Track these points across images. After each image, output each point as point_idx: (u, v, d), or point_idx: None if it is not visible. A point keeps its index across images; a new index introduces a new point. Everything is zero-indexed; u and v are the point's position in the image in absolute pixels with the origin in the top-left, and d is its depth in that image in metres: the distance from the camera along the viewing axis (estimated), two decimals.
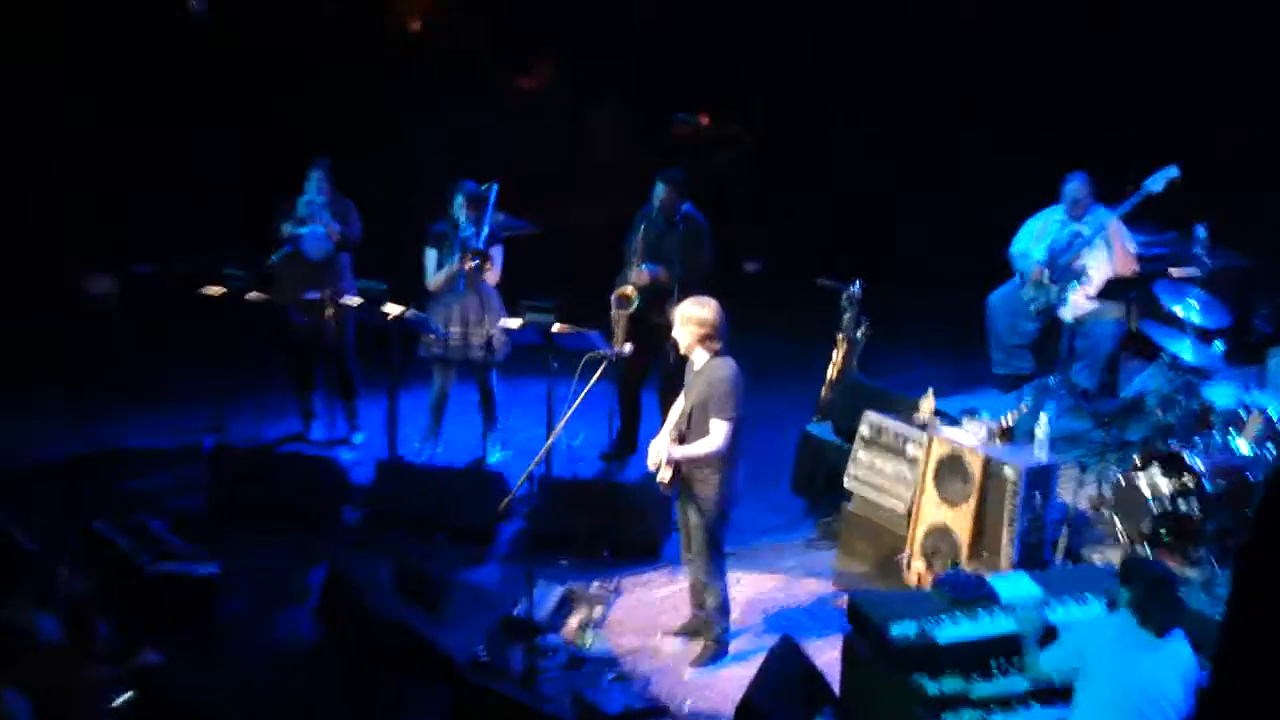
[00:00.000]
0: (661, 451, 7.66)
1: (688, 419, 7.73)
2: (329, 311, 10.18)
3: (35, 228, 13.42)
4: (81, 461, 10.36)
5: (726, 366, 7.67)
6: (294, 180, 10.36)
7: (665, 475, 7.66)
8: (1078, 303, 10.34)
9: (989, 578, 7.29)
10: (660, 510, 9.07)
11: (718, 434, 7.61)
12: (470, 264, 9.89)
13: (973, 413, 8.80)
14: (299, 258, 10.25)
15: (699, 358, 7.75)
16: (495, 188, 10.09)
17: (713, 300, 7.80)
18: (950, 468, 8.56)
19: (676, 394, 8.06)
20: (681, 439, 7.74)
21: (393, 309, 9.69)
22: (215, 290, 9.97)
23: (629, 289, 10.00)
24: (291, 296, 10.25)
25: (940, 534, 8.55)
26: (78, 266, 13.77)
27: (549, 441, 8.48)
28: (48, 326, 12.83)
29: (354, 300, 9.99)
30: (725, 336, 7.75)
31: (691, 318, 7.70)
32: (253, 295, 9.95)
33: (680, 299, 9.60)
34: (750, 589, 8.81)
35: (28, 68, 13.18)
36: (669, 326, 9.77)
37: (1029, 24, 14.15)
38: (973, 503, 8.40)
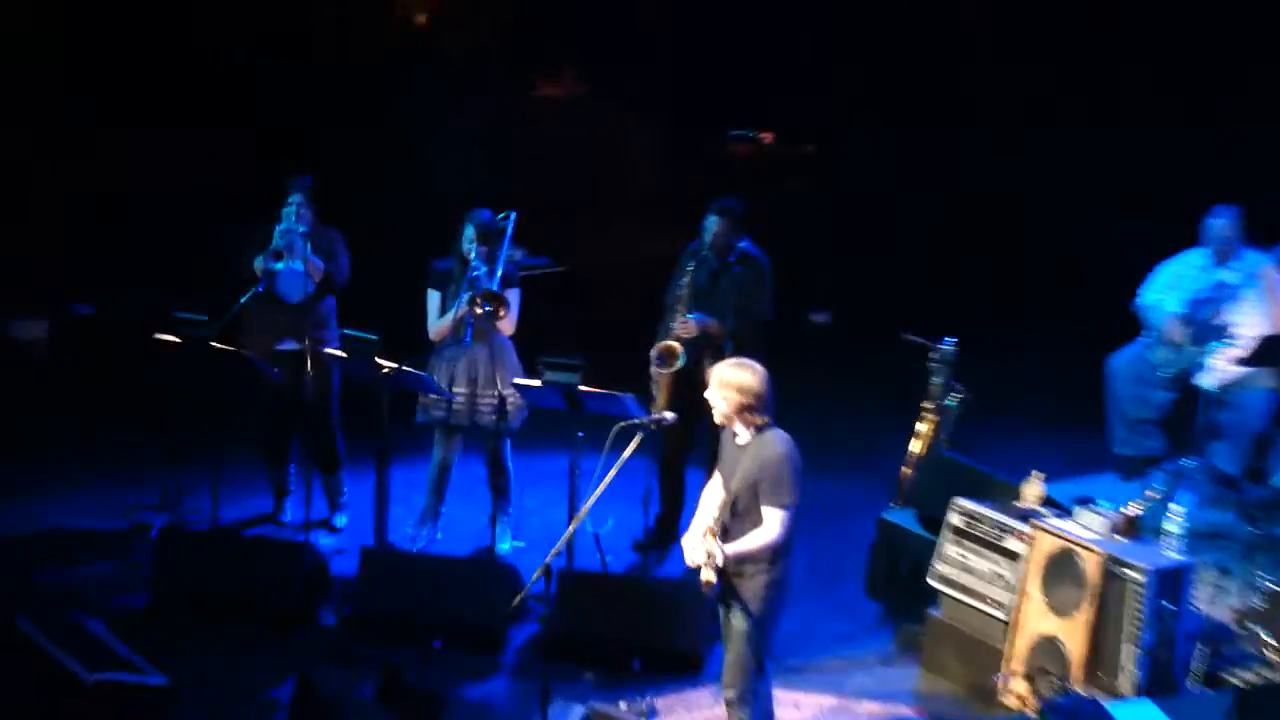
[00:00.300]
0: (701, 549, 7.63)
1: (731, 507, 7.73)
2: (308, 366, 10.23)
3: None
4: (1, 546, 10.41)
5: (780, 442, 7.68)
6: (268, 204, 10.45)
7: (710, 575, 7.66)
8: (1221, 367, 10.31)
9: (1107, 705, 7.26)
10: (704, 614, 9.04)
11: (772, 525, 7.61)
12: (481, 309, 9.94)
13: (1088, 501, 8.76)
14: (272, 300, 10.33)
15: (742, 432, 7.76)
16: (513, 218, 10.15)
17: (757, 364, 7.81)
18: (1060, 568, 8.53)
19: None
20: (724, 532, 7.74)
21: (385, 364, 9.74)
22: (169, 338, 10.02)
23: (673, 342, 10.03)
24: (263, 347, 10.31)
25: (1047, 649, 8.51)
26: (1, 306, 13.94)
27: (571, 528, 8.46)
28: None
29: (338, 352, 10.04)
30: (772, 408, 7.76)
31: (731, 383, 7.70)
32: (215, 345, 9.99)
33: (735, 354, 9.72)
34: (810, 714, 8.78)
35: None
36: None
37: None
38: (1088, 611, 8.37)
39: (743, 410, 7.66)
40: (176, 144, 14.28)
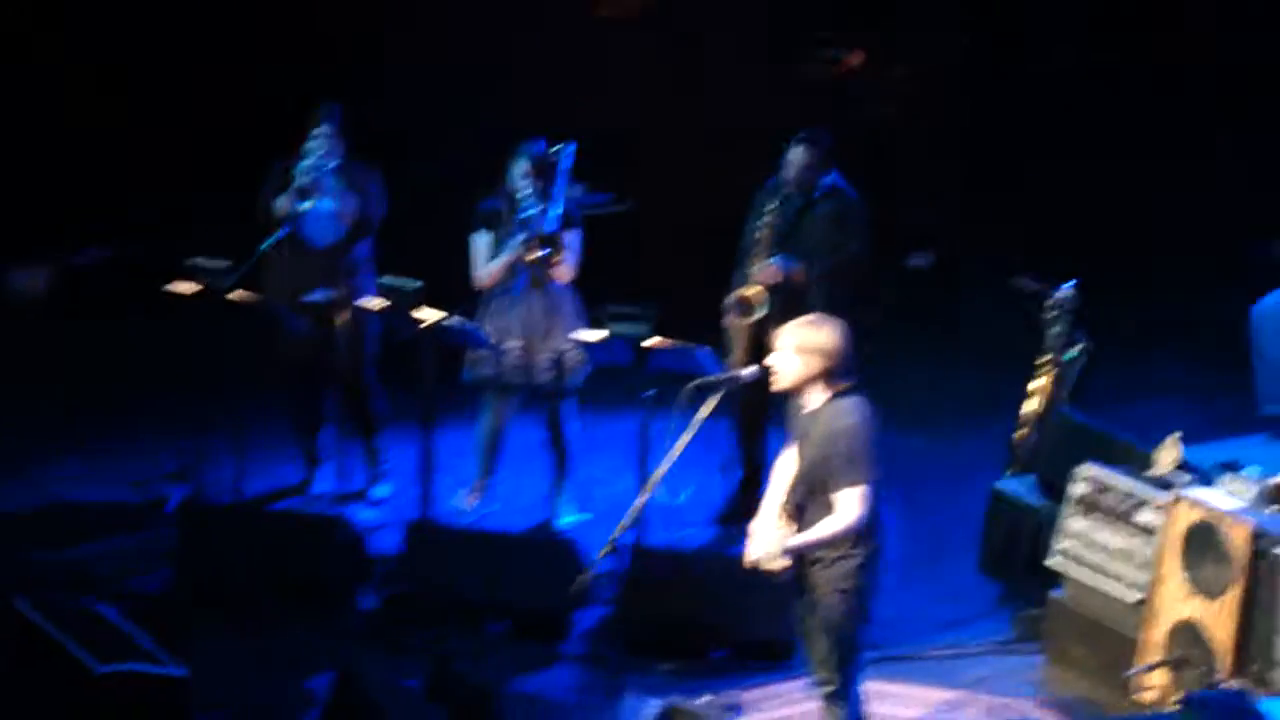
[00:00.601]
0: (768, 542, 7.57)
1: (803, 487, 7.66)
2: (341, 318, 10.23)
3: None
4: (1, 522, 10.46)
5: (854, 410, 7.58)
6: (291, 136, 10.42)
7: (777, 564, 7.61)
8: None
9: (1258, 700, 7.23)
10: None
11: (849, 506, 7.51)
12: (536, 254, 9.92)
13: (1234, 466, 8.72)
14: (299, 244, 10.33)
15: (814, 398, 7.67)
16: (571, 150, 10.12)
17: (835, 320, 7.72)
18: (1202, 543, 8.48)
19: None
20: (799, 512, 7.67)
21: (429, 314, 9.73)
22: (185, 287, 10.04)
23: (752, 290, 9.99)
24: (289, 297, 10.32)
25: (1189, 636, 8.47)
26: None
27: (642, 499, 8.46)
28: None
29: (375, 302, 10.03)
30: (855, 371, 7.67)
31: (815, 346, 7.58)
32: (236, 295, 10.00)
33: (822, 303, 9.67)
34: (919, 711, 8.75)
35: None
36: None
37: None
38: (1235, 592, 8.32)
39: (826, 375, 7.57)
40: (133, 81, 14.36)
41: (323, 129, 10.29)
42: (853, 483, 7.48)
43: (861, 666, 7.89)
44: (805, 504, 7.64)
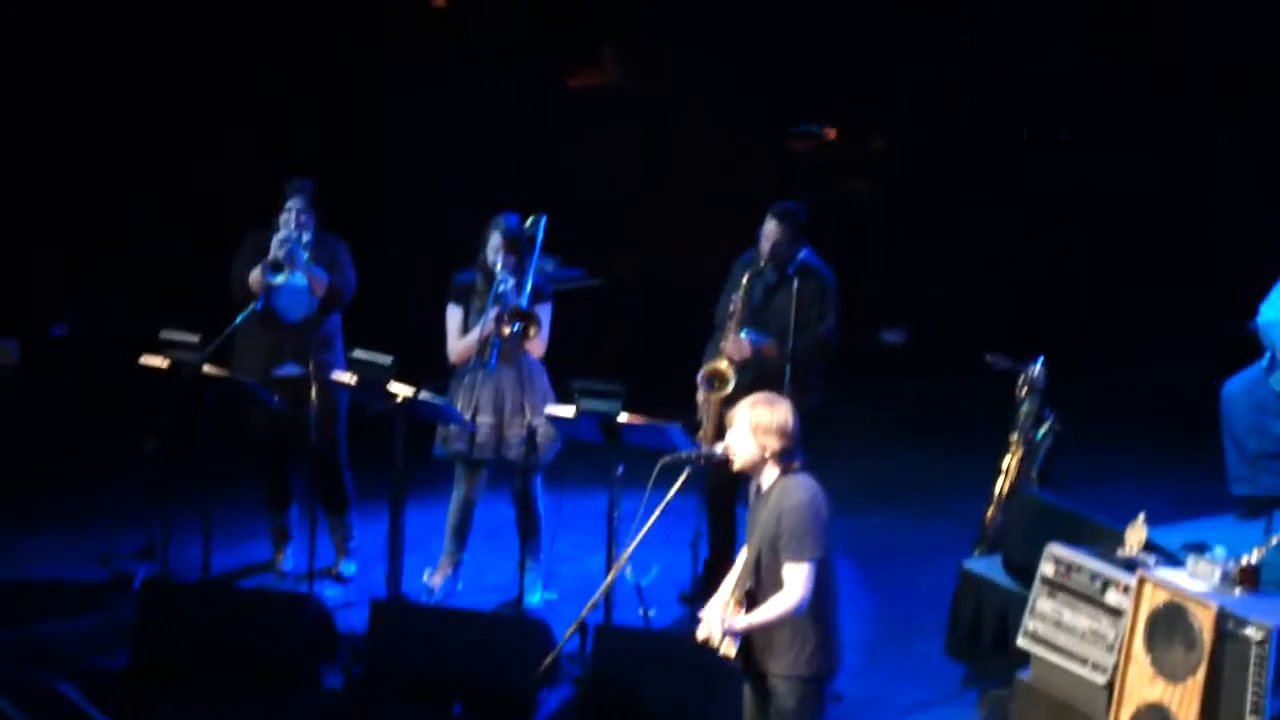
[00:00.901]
0: (716, 622, 7.54)
1: (754, 569, 7.63)
2: (312, 393, 10.18)
3: None
4: None
5: (802, 486, 7.58)
6: (262, 211, 10.41)
7: (730, 649, 7.57)
8: None
9: None
10: None
11: (794, 582, 7.49)
12: (509, 328, 9.90)
13: (1201, 548, 8.68)
14: (270, 318, 10.30)
15: (766, 478, 7.67)
16: (543, 223, 10.11)
17: (785, 399, 7.75)
18: (1169, 625, 8.42)
19: None
20: (750, 598, 7.64)
21: (400, 389, 9.70)
22: (156, 361, 10.01)
23: (723, 364, 9.97)
24: (261, 371, 10.29)
25: (1155, 718, 8.38)
26: None
27: (610, 577, 8.42)
28: None
29: (346, 377, 10.00)
30: (802, 449, 7.69)
31: (772, 426, 7.58)
32: (207, 370, 9.96)
33: (794, 379, 9.67)
34: None
35: None
36: None
37: None
38: (1200, 675, 8.25)
39: (777, 455, 7.57)
40: (168, 144, 14.36)
41: (294, 202, 10.28)
42: (799, 559, 7.46)
43: None
44: (755, 591, 7.60)
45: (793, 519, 7.48)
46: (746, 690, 7.84)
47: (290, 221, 10.23)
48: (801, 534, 7.47)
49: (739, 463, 7.64)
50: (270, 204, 10.33)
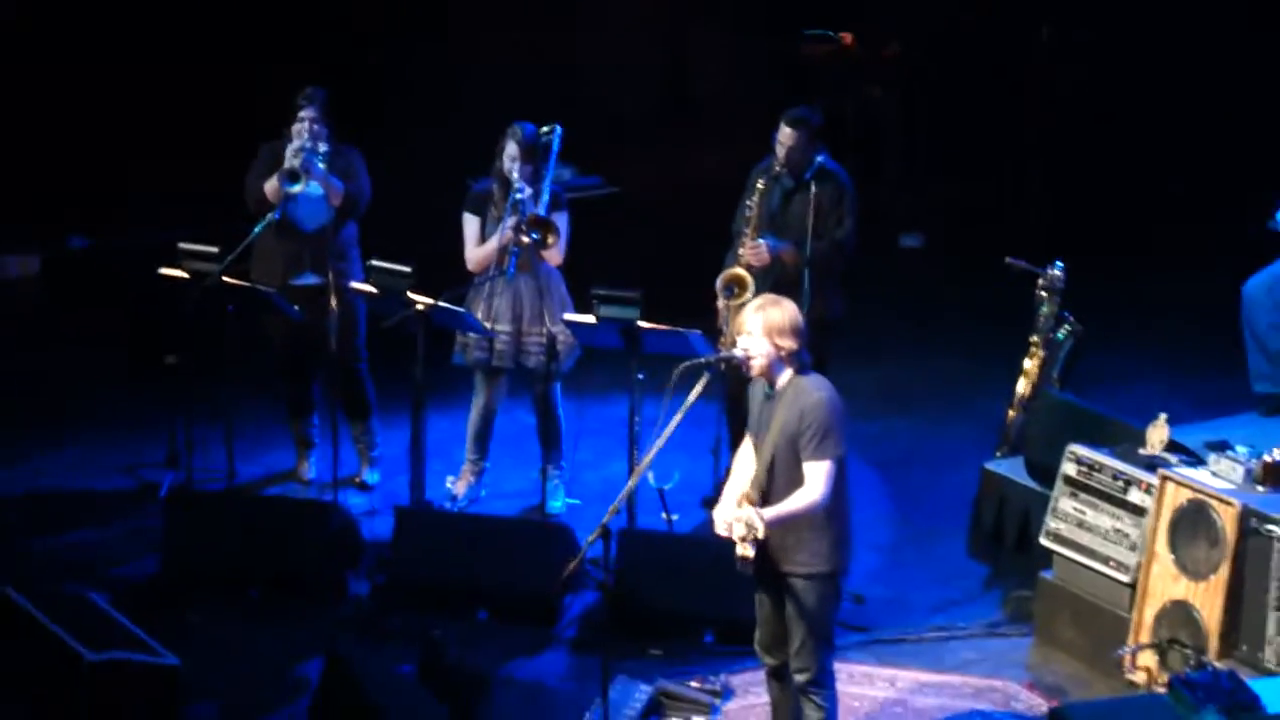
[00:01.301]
0: (743, 517, 7.52)
1: (769, 467, 7.64)
2: (331, 302, 10.17)
3: None
4: None
5: (820, 385, 7.61)
6: (276, 120, 10.37)
7: (748, 551, 7.57)
8: None
9: (1248, 680, 7.19)
10: None
11: (817, 479, 7.51)
12: (527, 238, 9.88)
13: (1223, 446, 8.68)
14: (288, 228, 10.28)
15: (780, 379, 7.68)
16: (559, 133, 10.07)
17: (789, 300, 7.76)
18: (1192, 523, 8.46)
19: None
20: (763, 497, 7.65)
21: (418, 299, 9.69)
22: (175, 273, 10.01)
23: (741, 270, 9.95)
24: (279, 281, 10.29)
25: (1179, 616, 8.46)
26: None
27: (632, 482, 8.42)
28: None
29: (365, 286, 9.99)
30: (810, 348, 7.72)
31: (784, 326, 7.58)
32: (226, 280, 9.96)
33: (814, 284, 9.65)
34: (905, 694, 8.73)
35: None
36: None
37: None
38: (1224, 573, 8.30)
39: (791, 355, 7.59)
40: (119, 75, 14.38)
41: (308, 112, 10.23)
42: (822, 457, 7.48)
43: (834, 649, 7.89)
44: (769, 491, 7.60)
45: (815, 416, 7.49)
46: (759, 596, 7.88)
47: (304, 131, 10.20)
48: (825, 432, 7.48)
49: (756, 366, 7.64)
50: (284, 115, 10.29)
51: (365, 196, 10.42)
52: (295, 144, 10.16)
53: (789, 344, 7.57)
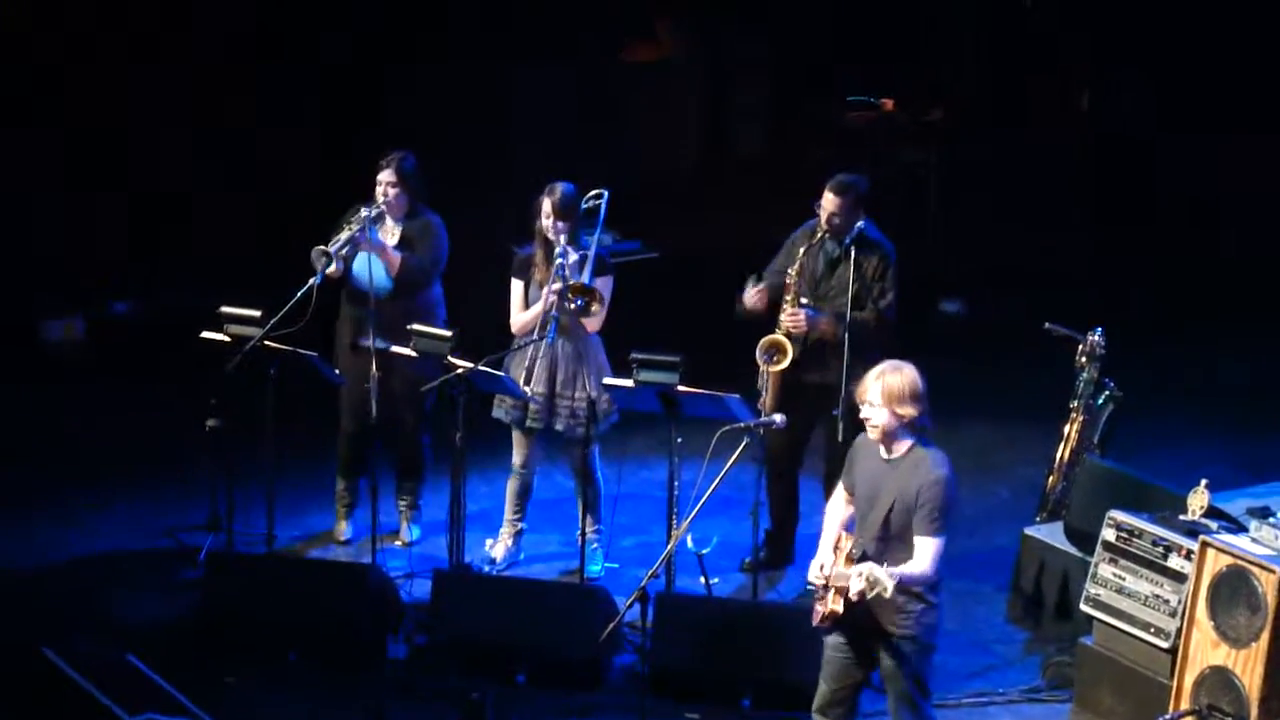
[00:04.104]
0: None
1: (878, 532, 7.69)
2: (374, 367, 10.13)
3: None
4: (32, 569, 10.47)
5: (942, 463, 7.71)
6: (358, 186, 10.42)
7: (839, 606, 7.61)
8: None
9: None
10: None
11: (927, 555, 7.63)
12: (572, 304, 9.87)
13: (1265, 512, 8.66)
14: (356, 294, 10.29)
15: (897, 446, 7.72)
16: (606, 197, 10.10)
17: (911, 366, 7.80)
18: (1232, 589, 8.41)
19: None
20: (864, 555, 7.69)
21: (460, 363, 9.70)
22: (215, 336, 10.04)
23: (781, 337, 9.95)
24: (349, 344, 10.34)
25: (1219, 682, 8.40)
26: (32, 303, 14.09)
27: (670, 546, 8.43)
28: None
29: (405, 350, 9.97)
30: (931, 416, 7.79)
31: (906, 393, 7.66)
32: (269, 344, 9.94)
33: (853, 352, 9.64)
34: None
35: None
36: (834, 387, 9.76)
37: None
38: (1265, 639, 8.24)
39: (911, 423, 7.66)
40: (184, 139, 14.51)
41: (385, 175, 10.23)
42: (937, 534, 7.62)
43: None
44: (871, 552, 7.71)
45: (935, 493, 7.61)
46: (836, 648, 7.89)
47: (380, 196, 10.21)
48: (942, 510, 7.62)
49: (875, 433, 7.68)
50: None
51: (438, 265, 10.37)
52: (363, 211, 10.15)
53: (909, 411, 7.64)
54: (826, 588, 7.78)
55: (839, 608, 7.68)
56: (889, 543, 7.70)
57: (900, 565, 7.57)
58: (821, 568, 7.81)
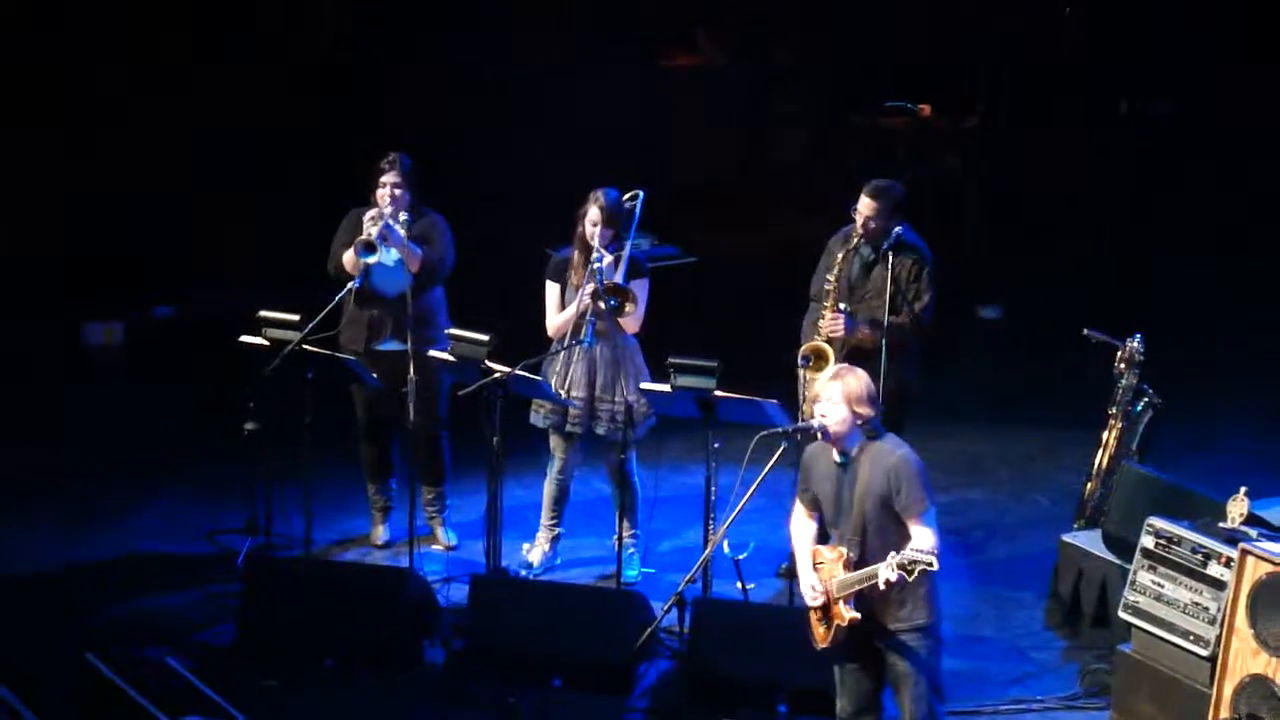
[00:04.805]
0: (906, 559, 7.49)
1: (861, 531, 7.70)
2: (411, 368, 10.16)
3: (19, 247, 13.86)
4: (71, 573, 10.49)
5: (897, 445, 7.80)
6: (359, 189, 10.44)
7: (852, 612, 7.63)
8: None
9: None
10: None
11: (928, 531, 7.66)
12: (605, 305, 9.88)
13: None
14: (370, 295, 10.32)
15: (852, 445, 7.78)
16: (641, 198, 10.09)
17: (857, 368, 7.95)
18: (1272, 597, 8.35)
19: None
20: (861, 560, 7.70)
21: (497, 367, 9.70)
22: (254, 340, 10.07)
23: (822, 343, 9.93)
24: (363, 346, 10.34)
25: (1259, 691, 8.33)
26: (73, 307, 14.15)
27: (707, 551, 8.42)
28: (31, 387, 13.13)
29: (443, 354, 9.99)
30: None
31: (859, 394, 7.74)
32: (307, 347, 9.98)
33: (890, 355, 9.62)
34: None
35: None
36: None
37: None
38: None
39: (869, 421, 7.75)
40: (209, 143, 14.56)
41: (390, 177, 10.28)
42: (926, 507, 7.67)
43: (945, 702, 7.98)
44: (865, 553, 7.71)
45: (906, 472, 7.68)
46: (841, 665, 7.90)
47: (385, 198, 10.25)
48: (919, 484, 7.68)
49: (834, 433, 7.72)
50: (365, 182, 10.36)
51: (447, 262, 10.43)
52: (374, 211, 10.22)
53: (866, 411, 7.72)
54: (827, 606, 7.79)
55: (856, 614, 7.67)
56: (875, 539, 7.72)
57: (909, 547, 7.56)
58: (814, 588, 7.81)
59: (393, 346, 10.32)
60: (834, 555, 7.79)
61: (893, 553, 7.53)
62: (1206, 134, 15.59)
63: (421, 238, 10.31)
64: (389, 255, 10.22)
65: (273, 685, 9.14)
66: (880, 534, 7.70)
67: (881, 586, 7.55)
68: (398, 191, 10.26)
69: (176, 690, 8.42)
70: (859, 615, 7.68)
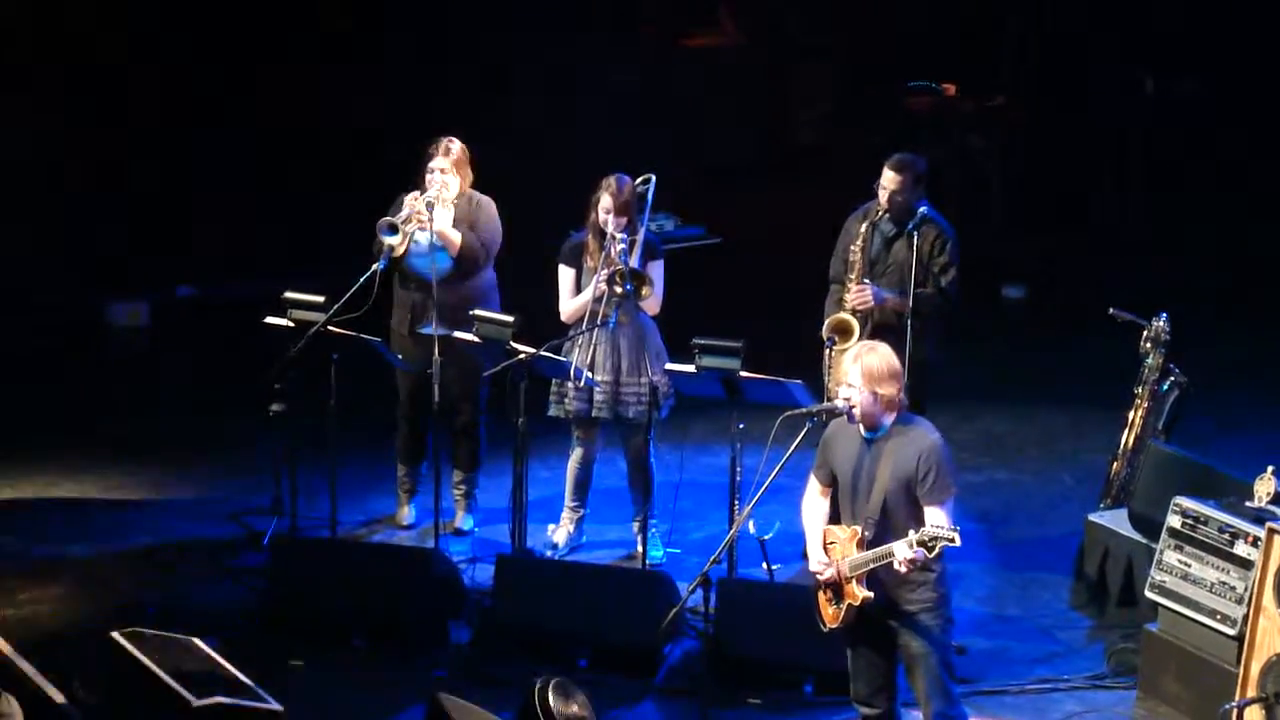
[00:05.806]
0: (931, 534, 7.51)
1: (881, 509, 7.70)
2: (452, 351, 10.13)
3: (44, 230, 13.90)
4: (97, 554, 10.54)
5: (930, 428, 7.81)
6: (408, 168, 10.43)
7: (865, 591, 7.65)
8: None
9: None
10: None
11: (950, 515, 7.68)
12: (621, 289, 9.87)
13: None
14: (414, 278, 10.31)
15: (881, 424, 7.78)
16: (653, 182, 10.08)
17: (884, 344, 7.92)
18: None
19: None
20: (877, 539, 7.70)
21: (521, 349, 9.70)
22: (279, 322, 10.08)
23: (847, 316, 9.89)
24: (407, 329, 10.38)
25: None
26: (98, 287, 14.18)
27: (732, 532, 8.41)
28: (59, 370, 13.16)
29: (468, 336, 9.98)
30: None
31: (886, 373, 7.72)
32: (331, 329, 9.98)
33: (915, 332, 9.60)
34: None
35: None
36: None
37: None
38: None
39: (891, 401, 7.69)
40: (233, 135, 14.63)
41: (437, 162, 10.25)
42: (948, 495, 7.68)
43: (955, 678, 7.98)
44: (879, 533, 7.72)
45: (934, 459, 7.68)
46: (855, 649, 7.94)
47: (434, 182, 10.22)
48: (946, 473, 7.68)
49: (859, 414, 7.70)
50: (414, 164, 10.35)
51: (492, 246, 10.40)
52: (416, 193, 10.19)
53: (889, 390, 7.67)
54: (839, 585, 7.79)
55: (869, 593, 7.67)
56: (894, 518, 7.72)
57: (929, 524, 7.59)
58: (822, 562, 7.82)
59: (430, 329, 10.27)
60: (847, 534, 7.80)
61: (911, 530, 7.55)
62: (1232, 113, 15.54)
63: (470, 221, 10.29)
64: (423, 238, 10.20)
65: (299, 665, 9.17)
66: (898, 515, 7.71)
67: (900, 565, 7.55)
68: (445, 176, 10.24)
69: (203, 670, 8.44)
70: (872, 594, 7.68)
